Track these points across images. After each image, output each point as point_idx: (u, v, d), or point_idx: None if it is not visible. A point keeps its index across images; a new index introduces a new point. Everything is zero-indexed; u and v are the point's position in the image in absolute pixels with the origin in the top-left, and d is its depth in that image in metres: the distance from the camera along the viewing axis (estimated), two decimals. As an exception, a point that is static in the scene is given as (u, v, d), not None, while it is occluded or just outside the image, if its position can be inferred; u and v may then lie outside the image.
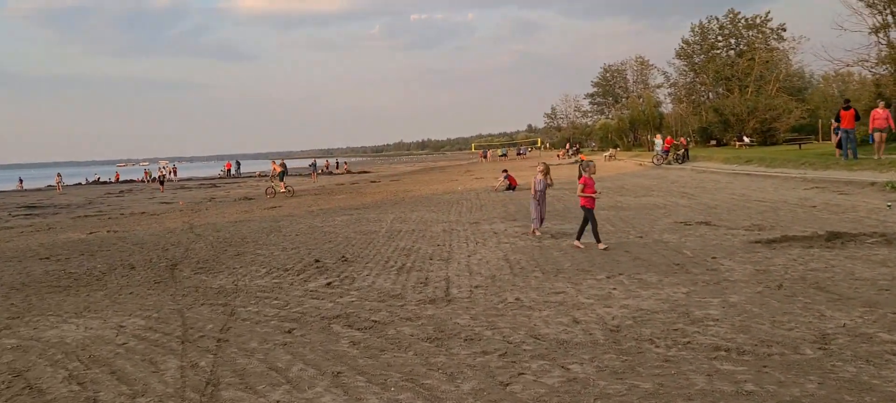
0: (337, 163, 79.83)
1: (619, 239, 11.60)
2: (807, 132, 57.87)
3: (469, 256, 10.88)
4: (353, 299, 8.27)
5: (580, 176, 11.29)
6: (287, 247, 13.11)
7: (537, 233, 12.79)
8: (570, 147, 77.03)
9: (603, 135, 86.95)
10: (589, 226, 11.00)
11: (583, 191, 11.10)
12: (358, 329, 6.87)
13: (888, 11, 36.56)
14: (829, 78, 79.62)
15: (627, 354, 5.46)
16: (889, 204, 13.76)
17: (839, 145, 27.52)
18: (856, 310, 6.28)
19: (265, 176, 55.08)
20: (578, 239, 11.26)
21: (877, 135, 21.52)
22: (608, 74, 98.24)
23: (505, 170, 27.81)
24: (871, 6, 36.68)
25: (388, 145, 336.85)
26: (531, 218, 13.16)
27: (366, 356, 5.93)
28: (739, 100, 60.02)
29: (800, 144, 46.65)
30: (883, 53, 38.42)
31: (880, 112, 21.34)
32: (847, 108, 21.95)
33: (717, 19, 67.74)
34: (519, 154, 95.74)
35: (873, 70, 40.19)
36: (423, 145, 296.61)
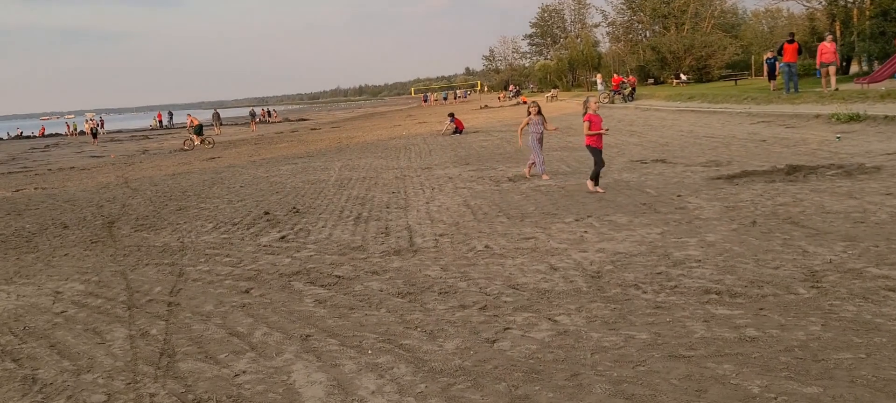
0: (268, 111, 76.27)
1: (578, 181, 11.35)
2: (740, 68, 58.98)
3: (427, 203, 10.46)
4: (312, 253, 7.79)
5: (585, 113, 10.34)
6: (232, 200, 12.44)
7: (545, 178, 11.73)
8: (512, 89, 76.73)
9: (542, 76, 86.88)
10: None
11: (589, 129, 10.16)
12: (321, 286, 6.41)
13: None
14: (759, 14, 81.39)
15: (615, 302, 5.18)
16: (838, 135, 13.90)
17: (770, 77, 27.98)
18: (837, 245, 6.14)
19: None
20: (597, 183, 10.17)
21: (824, 69, 21.70)
22: (546, 15, 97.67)
23: (451, 114, 27.29)
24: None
25: (324, 92, 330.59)
26: (533, 161, 12.07)
27: (335, 315, 5.50)
28: (676, 38, 60.57)
29: (736, 80, 47.47)
30: (817, -13, 39.07)
31: (828, 45, 21.37)
32: (791, 42, 22.12)
33: (654, -44, 67.60)
34: (456, 97, 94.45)
35: (807, 4, 40.93)
36: (360, 91, 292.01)
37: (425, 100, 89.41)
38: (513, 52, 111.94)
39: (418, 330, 4.99)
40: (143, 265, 7.94)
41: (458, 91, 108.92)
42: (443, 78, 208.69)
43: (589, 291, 5.49)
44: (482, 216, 9.08)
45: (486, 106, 54.21)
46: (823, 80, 21.92)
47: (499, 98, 69.36)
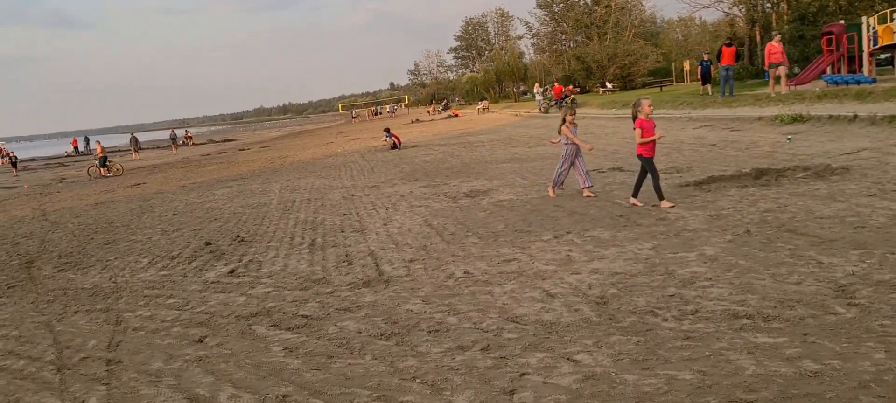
0: (188, 134, 66.89)
1: (539, 193, 10.83)
2: (662, 75, 60.38)
3: (385, 224, 9.70)
4: (269, 289, 6.93)
5: (635, 119, 9.11)
6: (167, 230, 11.35)
7: (587, 194, 10.10)
8: (444, 101, 76.61)
9: (470, 88, 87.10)
10: (649, 180, 8.96)
11: (642, 136, 8.87)
12: (288, 329, 5.59)
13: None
14: (673, 23, 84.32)
15: (635, 333, 4.57)
16: (789, 137, 13.87)
17: (704, 81, 28.06)
18: (850, 254, 5.72)
19: (117, 151, 50.36)
20: (635, 195, 9.12)
21: (772, 71, 21.48)
22: (470, 28, 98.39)
23: (387, 129, 26.58)
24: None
25: (248, 111, 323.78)
26: (562, 180, 10.52)
27: (312, 367, 4.70)
28: (599, 47, 61.58)
29: (661, 87, 48.41)
30: (737, -6, 40.31)
31: (776, 45, 20.88)
32: (730, 45, 22.31)
33: (574, -34, 68.86)
34: (378, 113, 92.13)
35: (728, 11, 42.18)
36: (284, 109, 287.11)
37: (354, 117, 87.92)
38: (438, 65, 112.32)
39: (417, 381, 4.25)
40: (71, 313, 6.90)
41: (387, 106, 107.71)
42: (368, 94, 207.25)
43: (601, 321, 4.88)
44: (450, 237, 8.40)
45: (417, 120, 53.60)
46: (772, 82, 21.77)
47: (428, 112, 68.94)
